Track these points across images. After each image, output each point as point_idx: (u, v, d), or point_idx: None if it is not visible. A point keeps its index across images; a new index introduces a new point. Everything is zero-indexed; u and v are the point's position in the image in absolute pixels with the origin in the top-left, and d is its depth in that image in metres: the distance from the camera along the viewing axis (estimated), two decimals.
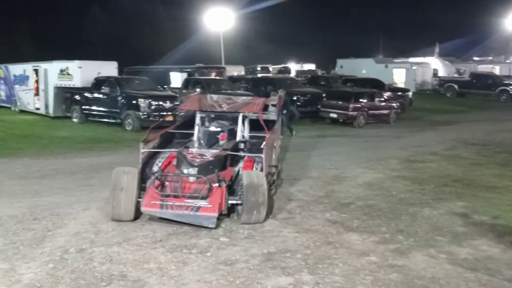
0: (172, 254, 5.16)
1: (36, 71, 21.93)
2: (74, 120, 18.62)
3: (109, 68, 19.79)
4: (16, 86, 24.40)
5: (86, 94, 18.15)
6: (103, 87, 17.24)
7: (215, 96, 8.69)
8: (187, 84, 19.86)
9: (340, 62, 38.22)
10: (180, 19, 55.72)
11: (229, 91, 18.04)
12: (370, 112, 18.23)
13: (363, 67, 33.95)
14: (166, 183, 6.36)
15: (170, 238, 5.64)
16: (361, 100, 18.21)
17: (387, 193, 7.93)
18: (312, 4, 64.78)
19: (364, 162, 10.73)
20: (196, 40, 50.00)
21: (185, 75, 22.10)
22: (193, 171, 6.49)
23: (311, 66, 51.87)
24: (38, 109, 21.64)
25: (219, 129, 7.81)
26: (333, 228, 6.09)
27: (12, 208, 6.80)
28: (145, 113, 15.67)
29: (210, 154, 6.92)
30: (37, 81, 21.77)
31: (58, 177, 9.09)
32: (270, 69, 44.49)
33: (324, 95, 19.46)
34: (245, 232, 5.86)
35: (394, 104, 19.41)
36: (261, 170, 6.70)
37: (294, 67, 48.51)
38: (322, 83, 24.95)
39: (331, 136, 15.60)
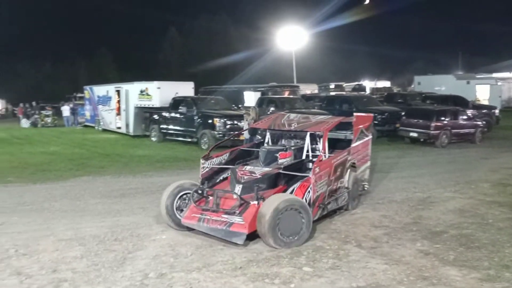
0: (253, 284, 4.89)
1: (118, 92, 22.94)
2: (153, 139, 19.14)
3: (186, 88, 20.28)
4: (100, 106, 25.65)
5: (164, 114, 18.63)
6: (180, 107, 17.63)
7: (292, 115, 8.57)
8: (261, 103, 19.82)
9: (417, 78, 36.82)
10: (253, 39, 56.61)
11: (303, 110, 17.79)
12: (454, 131, 17.16)
13: (443, 84, 32.44)
14: (210, 198, 6.63)
15: (250, 265, 5.38)
16: (443, 118, 17.20)
17: (483, 221, 7.21)
18: (385, 21, 63.40)
19: (452, 185, 9.97)
20: (268, 59, 50.49)
21: (258, 94, 22.14)
22: (238, 187, 6.65)
23: (386, 83, 50.46)
24: (119, 128, 22.56)
25: (279, 147, 7.66)
26: (427, 260, 5.55)
27: (95, 227, 6.88)
28: (220, 132, 15.79)
29: (259, 172, 6.84)
30: (118, 102, 22.75)
31: (137, 196, 9.20)
32: (344, 86, 43.76)
33: (402, 113, 18.65)
34: (330, 262, 5.48)
35: (480, 123, 18.18)
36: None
37: (368, 85, 47.41)
38: (399, 100, 23.99)
39: (412, 156, 14.79)
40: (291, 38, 39.56)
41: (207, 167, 7.32)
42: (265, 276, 5.09)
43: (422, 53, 61.08)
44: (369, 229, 6.80)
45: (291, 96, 22.33)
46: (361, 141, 8.51)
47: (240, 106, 20.33)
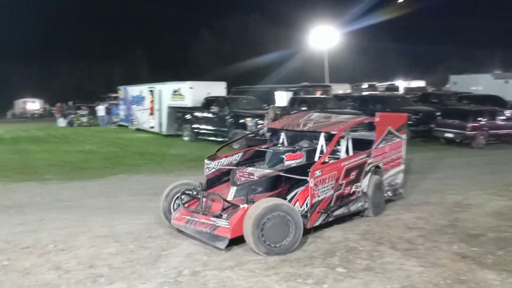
0: (286, 283, 4.87)
1: (151, 92, 23.28)
2: (185, 138, 19.36)
3: (218, 88, 20.42)
4: (133, 106, 26.11)
5: (196, 114, 18.81)
6: (212, 107, 17.77)
7: (315, 115, 8.31)
8: (293, 102, 19.77)
9: (453, 78, 35.93)
10: (284, 39, 56.48)
11: (335, 110, 17.64)
12: (491, 131, 16.72)
13: (480, 83, 31.57)
14: (203, 199, 6.42)
15: (283, 265, 5.37)
16: (480, 118, 16.78)
17: None
18: (419, 19, 62.08)
19: (489, 187, 9.70)
20: (300, 58, 50.30)
21: (290, 94, 22.07)
22: (232, 189, 6.50)
23: (420, 83, 49.49)
24: (152, 127, 22.91)
25: (287, 148, 7.42)
26: (464, 263, 5.41)
27: (129, 224, 7.01)
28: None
29: (258, 173, 6.64)
30: (152, 101, 23.10)
31: None
32: (377, 86, 43.13)
33: (437, 113, 18.27)
34: (363, 263, 5.41)
35: None
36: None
37: (402, 84, 46.59)
38: (434, 100, 23.48)
39: (447, 157, 14.46)
40: (323, 37, 39.26)
41: (213, 167, 7.22)
42: (297, 276, 5.07)
43: (457, 51, 59.49)
44: (404, 231, 6.68)
45: (323, 96, 22.17)
46: (390, 143, 8.02)
47: (272, 106, 20.31)
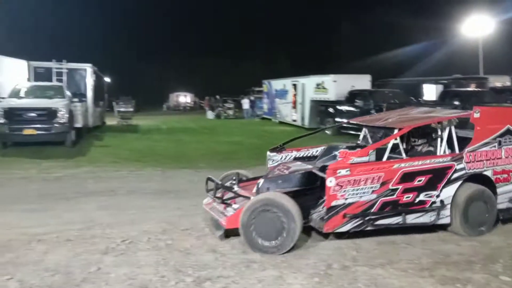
0: (443, 286, 4.60)
1: (294, 85, 23.68)
2: (327, 132, 19.33)
3: (363, 82, 20.05)
4: (277, 100, 26.83)
5: (339, 107, 18.66)
6: (356, 100, 17.49)
7: (417, 110, 7.63)
8: (444, 96, 18.54)
9: None
10: (433, 29, 53.17)
11: (493, 104, 16.11)
12: None
13: None
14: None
15: (438, 268, 5.07)
16: None
17: None
18: None
19: None
20: (450, 49, 46.90)
21: (440, 87, 20.76)
22: (260, 182, 6.27)
23: None
24: (294, 121, 23.34)
25: (350, 144, 6.91)
26: None
27: None
28: None
29: (293, 169, 6.44)
30: (295, 95, 23.50)
31: None
32: None
33: None
34: None
35: None
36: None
37: None
38: None
39: None
40: (477, 25, 36.10)
41: (278, 160, 7.12)
42: (455, 280, 4.74)
43: None
44: None
45: (479, 89, 20.42)
46: (509, 146, 6.41)
47: (420, 99, 19.32)
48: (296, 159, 7.24)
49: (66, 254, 5.40)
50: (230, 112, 34.56)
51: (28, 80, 17.66)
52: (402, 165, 5.86)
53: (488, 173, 6.29)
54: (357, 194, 5.64)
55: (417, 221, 5.98)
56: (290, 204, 5.54)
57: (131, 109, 29.98)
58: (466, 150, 6.19)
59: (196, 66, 68.46)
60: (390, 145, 6.19)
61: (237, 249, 5.63)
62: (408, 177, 5.83)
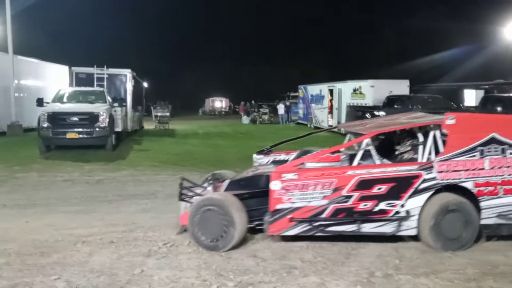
0: None
1: (331, 91, 23.53)
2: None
3: (401, 87, 19.78)
4: (312, 105, 26.73)
5: (377, 113, 18.41)
6: (395, 105, 17.25)
7: (412, 115, 7.47)
8: (485, 102, 18.02)
9: None
10: (474, 32, 51.90)
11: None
12: None
13: None
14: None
15: (485, 279, 4.92)
16: None
17: None
18: None
19: None
20: (492, 53, 45.62)
21: (481, 92, 20.22)
22: (226, 182, 6.46)
23: None
24: (330, 126, 23.13)
25: (317, 149, 6.74)
26: None
27: None
28: None
29: (258, 171, 6.50)
30: (331, 100, 23.35)
31: None
32: None
33: None
34: None
35: None
36: None
37: None
38: None
39: None
40: None
41: (263, 163, 7.18)
42: None
43: None
44: None
45: None
46: (497, 156, 5.76)
47: (460, 105, 18.87)
48: (274, 162, 7.21)
49: (110, 256, 5.51)
50: (265, 117, 34.64)
51: (70, 85, 18.19)
52: (358, 171, 5.69)
53: (468, 184, 5.75)
54: (305, 198, 5.66)
55: (376, 231, 5.78)
56: (233, 205, 5.71)
57: (168, 114, 30.48)
58: (436, 159, 5.77)
59: (232, 71, 69.20)
60: (360, 152, 6.11)
61: (278, 255, 5.62)
62: (365, 184, 5.65)
